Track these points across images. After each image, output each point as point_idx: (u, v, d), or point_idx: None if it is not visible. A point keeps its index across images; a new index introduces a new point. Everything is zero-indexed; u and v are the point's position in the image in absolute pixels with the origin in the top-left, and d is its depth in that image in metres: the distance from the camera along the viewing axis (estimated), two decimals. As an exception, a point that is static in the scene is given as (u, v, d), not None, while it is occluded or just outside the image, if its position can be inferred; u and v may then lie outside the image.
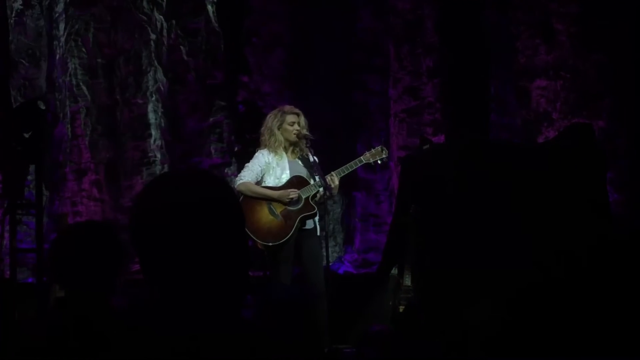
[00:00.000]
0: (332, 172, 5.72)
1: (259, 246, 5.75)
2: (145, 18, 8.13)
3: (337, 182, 5.69)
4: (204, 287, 1.63)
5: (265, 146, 5.86)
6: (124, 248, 2.50)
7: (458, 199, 6.84)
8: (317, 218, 5.77)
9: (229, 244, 1.65)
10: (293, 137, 5.83)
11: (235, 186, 5.81)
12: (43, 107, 5.98)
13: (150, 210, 1.65)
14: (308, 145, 5.78)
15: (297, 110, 5.89)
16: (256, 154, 5.90)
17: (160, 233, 1.62)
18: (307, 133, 5.82)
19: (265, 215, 5.69)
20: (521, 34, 8.03)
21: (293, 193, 5.71)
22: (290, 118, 5.84)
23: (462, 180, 6.93)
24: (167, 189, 1.68)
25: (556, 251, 6.17)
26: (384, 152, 5.90)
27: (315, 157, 5.88)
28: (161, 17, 8.17)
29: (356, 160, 5.87)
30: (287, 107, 5.94)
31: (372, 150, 5.93)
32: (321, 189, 5.68)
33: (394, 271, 6.23)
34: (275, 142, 5.83)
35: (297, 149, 5.88)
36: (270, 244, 5.65)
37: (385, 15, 8.25)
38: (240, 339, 1.64)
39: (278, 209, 5.71)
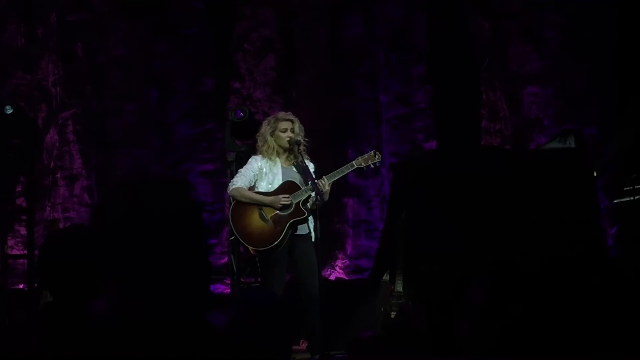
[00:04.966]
0: (324, 177, 5.71)
1: (251, 251, 5.80)
2: (136, 25, 8.12)
3: (328, 187, 5.69)
4: (164, 291, 1.64)
5: (259, 152, 5.89)
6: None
7: (447, 205, 6.85)
8: (312, 224, 5.75)
9: (187, 251, 1.66)
10: (285, 144, 5.84)
11: (229, 191, 5.86)
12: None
13: (111, 215, 1.67)
14: (300, 151, 5.77)
15: (290, 117, 5.89)
16: (250, 159, 5.92)
17: (120, 237, 1.63)
18: (300, 139, 5.82)
19: (256, 221, 5.71)
20: (512, 41, 8.06)
21: (285, 199, 5.72)
22: (283, 125, 5.85)
23: (452, 186, 6.93)
24: (127, 196, 1.69)
25: (544, 256, 6.18)
26: (376, 156, 5.88)
27: (311, 163, 5.89)
28: (152, 23, 8.16)
29: (348, 164, 5.86)
30: (281, 114, 5.95)
31: (365, 155, 5.93)
32: (313, 194, 5.68)
33: (386, 277, 6.23)
34: (268, 149, 5.85)
35: (292, 156, 5.88)
36: (261, 248, 5.68)
37: (374, 22, 8.25)
38: (199, 340, 1.65)
39: (269, 214, 5.73)
